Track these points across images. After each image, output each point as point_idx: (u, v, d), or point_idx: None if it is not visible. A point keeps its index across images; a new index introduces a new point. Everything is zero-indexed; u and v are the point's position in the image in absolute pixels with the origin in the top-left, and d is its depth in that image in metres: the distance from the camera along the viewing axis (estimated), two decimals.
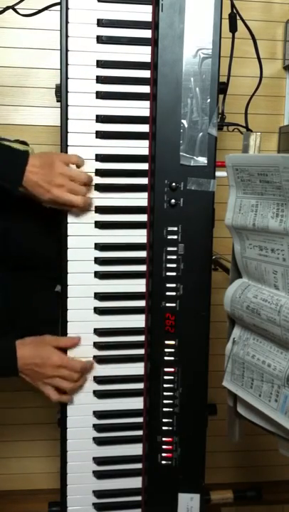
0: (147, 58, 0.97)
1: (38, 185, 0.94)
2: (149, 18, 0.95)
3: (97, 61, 0.96)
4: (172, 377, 1.02)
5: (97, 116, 0.97)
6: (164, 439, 1.03)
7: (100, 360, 1.03)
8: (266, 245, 0.87)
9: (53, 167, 0.94)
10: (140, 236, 1.01)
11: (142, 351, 1.03)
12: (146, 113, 0.98)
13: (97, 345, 1.02)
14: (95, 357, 1.02)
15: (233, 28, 1.10)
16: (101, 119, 0.97)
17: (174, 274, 0.99)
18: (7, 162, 0.95)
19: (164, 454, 1.04)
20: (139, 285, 1.02)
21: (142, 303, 1.02)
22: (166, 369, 1.02)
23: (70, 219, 0.99)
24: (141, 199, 1.00)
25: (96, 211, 0.99)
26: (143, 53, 0.96)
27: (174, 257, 0.99)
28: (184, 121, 0.96)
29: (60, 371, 0.99)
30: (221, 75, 0.97)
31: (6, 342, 1.00)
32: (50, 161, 0.95)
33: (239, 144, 1.04)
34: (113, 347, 1.03)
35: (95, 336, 1.02)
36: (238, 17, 1.09)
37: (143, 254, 1.01)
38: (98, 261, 1.00)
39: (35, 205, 1.14)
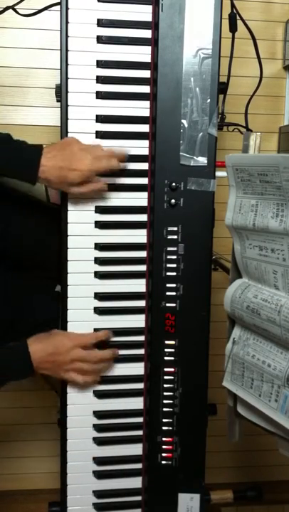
0: (147, 58, 0.97)
1: (60, 168, 0.92)
2: (149, 18, 0.96)
3: (97, 61, 0.96)
4: (172, 377, 1.02)
5: (97, 116, 0.97)
6: (164, 439, 1.03)
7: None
8: (266, 245, 0.87)
9: (68, 147, 0.93)
10: (140, 236, 1.01)
11: (142, 351, 1.03)
12: (147, 113, 0.98)
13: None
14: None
15: (233, 28, 1.10)
16: (101, 119, 0.97)
17: (174, 274, 0.99)
18: (19, 159, 0.93)
19: (164, 454, 1.04)
20: (139, 285, 1.02)
21: (142, 303, 1.02)
22: (166, 369, 1.02)
23: (71, 219, 0.99)
24: (141, 199, 1.00)
25: (96, 211, 0.99)
26: (143, 53, 0.97)
27: (174, 257, 0.99)
28: (184, 121, 0.96)
29: (76, 353, 0.98)
30: (221, 75, 0.97)
31: (17, 345, 0.98)
32: (63, 143, 0.94)
33: (239, 143, 1.04)
34: (113, 347, 1.02)
35: None
36: (238, 17, 1.09)
37: (143, 254, 1.01)
38: (98, 261, 1.00)
39: (35, 205, 1.15)
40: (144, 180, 0.99)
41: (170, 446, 1.03)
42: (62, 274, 1.00)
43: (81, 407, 1.04)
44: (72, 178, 0.93)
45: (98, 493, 1.06)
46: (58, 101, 0.97)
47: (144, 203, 1.00)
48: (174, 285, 1.00)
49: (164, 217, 0.99)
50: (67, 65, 0.95)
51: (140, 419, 1.05)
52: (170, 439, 1.03)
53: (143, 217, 1.00)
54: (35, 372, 0.98)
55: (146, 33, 0.96)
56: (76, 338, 0.99)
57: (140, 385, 1.04)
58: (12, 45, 1.63)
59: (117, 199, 1.00)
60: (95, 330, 1.01)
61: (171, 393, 1.02)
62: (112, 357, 1.01)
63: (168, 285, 1.00)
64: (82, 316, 1.01)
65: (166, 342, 1.01)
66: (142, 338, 1.03)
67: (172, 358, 1.01)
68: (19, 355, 0.97)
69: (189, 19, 0.94)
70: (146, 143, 0.99)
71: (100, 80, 0.96)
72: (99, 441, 1.05)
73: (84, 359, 0.98)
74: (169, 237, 0.99)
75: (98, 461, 1.05)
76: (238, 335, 0.96)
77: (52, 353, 0.97)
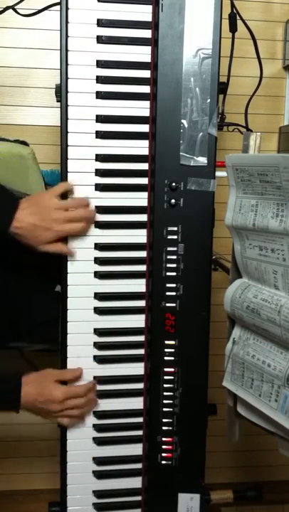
0: (147, 58, 0.97)
1: (36, 227, 0.93)
2: (149, 18, 0.95)
3: (97, 61, 0.96)
4: (172, 377, 1.02)
5: (97, 116, 0.97)
6: (164, 439, 1.03)
7: (100, 360, 1.03)
8: (266, 245, 0.87)
9: (43, 204, 0.94)
10: (140, 236, 1.01)
11: (142, 351, 1.03)
12: (147, 113, 0.98)
13: (97, 345, 1.02)
14: (95, 357, 1.02)
15: (233, 28, 1.10)
16: (101, 119, 0.97)
17: (174, 274, 0.99)
18: None
19: (164, 454, 1.04)
20: (139, 285, 1.02)
21: (142, 303, 1.02)
22: (166, 369, 1.02)
23: None
24: (141, 199, 1.00)
25: (96, 211, 0.99)
26: (143, 53, 0.96)
27: (174, 257, 0.99)
28: (184, 121, 0.96)
29: (65, 404, 0.99)
30: (221, 75, 0.97)
31: (11, 378, 0.98)
32: (38, 199, 0.96)
33: (239, 144, 1.04)
34: (113, 347, 1.03)
35: (95, 336, 1.02)
36: (238, 17, 1.09)
37: (143, 254, 1.01)
38: (98, 261, 1.00)
39: None
40: (144, 180, 0.99)
41: (170, 446, 1.03)
42: (62, 274, 1.00)
43: None
44: (44, 237, 0.94)
45: (98, 493, 1.06)
46: (58, 101, 0.97)
47: (144, 203, 1.00)
48: (174, 285, 1.00)
49: (164, 217, 0.98)
50: (67, 65, 0.95)
51: (140, 419, 1.05)
52: (170, 439, 1.03)
53: (143, 217, 1.00)
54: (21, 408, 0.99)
55: (146, 33, 0.96)
56: (68, 391, 0.99)
57: (140, 385, 1.04)
58: (12, 45, 1.63)
59: (117, 199, 1.00)
60: (95, 330, 1.01)
61: (171, 393, 1.02)
62: (93, 387, 1.02)
63: (168, 285, 1.00)
64: (82, 316, 1.01)
65: (166, 342, 1.01)
66: (142, 338, 1.03)
67: (172, 358, 1.01)
68: (11, 392, 0.97)
69: (189, 19, 0.94)
70: (146, 143, 0.99)
71: (100, 79, 0.96)
72: (99, 441, 1.05)
73: (73, 407, 0.99)
74: (169, 237, 0.99)
75: (98, 461, 1.05)
76: (238, 335, 0.96)
77: (41, 401, 0.97)
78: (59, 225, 0.94)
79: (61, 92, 0.96)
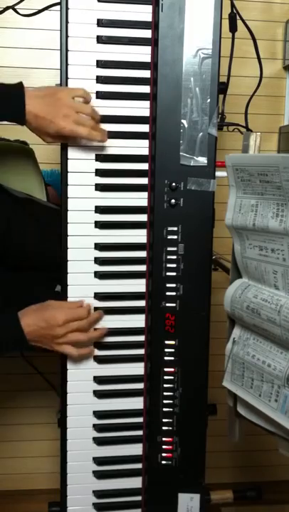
0: (147, 58, 0.97)
1: (41, 117, 0.91)
2: (149, 18, 0.95)
3: (97, 61, 0.96)
4: (172, 377, 1.02)
5: None
6: (164, 439, 1.03)
7: (100, 360, 1.03)
8: (266, 245, 0.87)
9: (56, 98, 0.92)
10: (140, 236, 1.01)
11: (142, 351, 1.03)
12: (147, 113, 0.98)
13: (97, 346, 1.02)
14: (95, 357, 1.02)
15: (233, 28, 1.10)
16: (101, 119, 0.97)
17: (174, 274, 0.99)
18: (4, 98, 0.91)
19: (164, 454, 1.04)
20: (139, 285, 1.02)
21: (142, 303, 1.02)
22: (166, 369, 1.02)
23: (71, 219, 0.99)
24: (141, 199, 1.00)
25: (96, 211, 0.99)
26: (143, 53, 0.97)
27: (174, 257, 0.99)
28: (184, 121, 0.96)
29: (69, 326, 0.96)
30: (221, 75, 0.97)
31: (7, 315, 0.97)
32: (53, 91, 0.93)
33: (239, 144, 1.04)
34: (113, 347, 1.03)
35: None
36: (238, 17, 1.09)
37: (143, 254, 1.01)
38: (98, 261, 1.00)
39: (35, 204, 1.15)
40: (144, 180, 0.99)
41: (170, 446, 1.03)
42: (62, 274, 1.00)
43: (81, 407, 1.04)
44: (48, 129, 0.92)
45: (98, 493, 1.06)
46: None
47: (144, 203, 1.00)
48: (174, 285, 1.00)
49: (164, 217, 0.99)
50: (67, 65, 0.95)
51: (140, 419, 1.05)
52: (170, 439, 1.03)
53: (143, 217, 1.00)
54: (29, 344, 0.96)
55: (146, 33, 0.96)
56: (69, 312, 0.97)
57: (140, 385, 1.04)
58: (12, 45, 1.63)
59: (117, 199, 1.00)
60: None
61: (171, 393, 1.02)
62: (99, 318, 1.01)
63: (168, 285, 1.00)
64: None
65: (166, 342, 1.01)
66: (142, 338, 1.03)
67: (172, 358, 1.01)
68: (10, 326, 0.95)
69: (189, 19, 0.94)
70: (146, 143, 0.99)
71: (100, 80, 0.96)
72: (99, 441, 1.05)
73: (77, 329, 0.97)
74: (169, 237, 0.99)
75: (98, 461, 1.05)
76: (238, 335, 0.96)
77: (44, 327, 0.95)
78: (65, 122, 0.91)
79: None
